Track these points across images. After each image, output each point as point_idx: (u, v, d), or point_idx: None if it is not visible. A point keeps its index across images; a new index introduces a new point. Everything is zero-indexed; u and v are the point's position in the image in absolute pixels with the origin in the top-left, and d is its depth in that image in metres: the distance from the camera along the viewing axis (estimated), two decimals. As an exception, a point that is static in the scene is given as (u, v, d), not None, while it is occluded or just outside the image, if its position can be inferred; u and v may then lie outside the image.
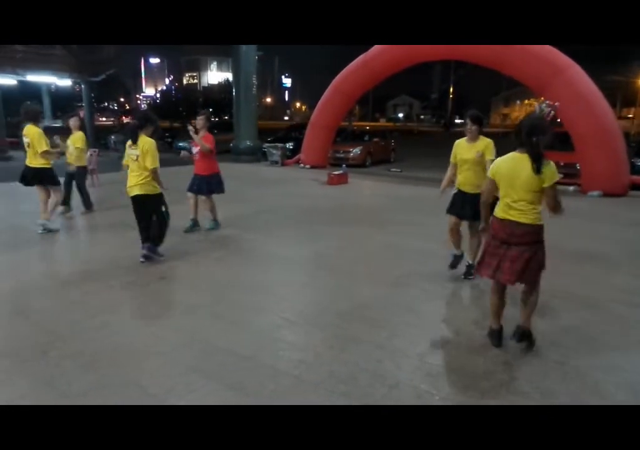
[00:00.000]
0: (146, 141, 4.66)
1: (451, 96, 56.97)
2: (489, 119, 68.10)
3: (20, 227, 6.34)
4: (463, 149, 4.32)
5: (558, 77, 9.20)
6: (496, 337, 3.21)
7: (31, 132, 5.81)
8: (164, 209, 4.88)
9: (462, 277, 4.52)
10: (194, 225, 6.22)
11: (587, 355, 3.14)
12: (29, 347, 3.13)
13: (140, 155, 4.63)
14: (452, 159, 4.44)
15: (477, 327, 3.52)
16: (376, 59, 11.51)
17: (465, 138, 4.34)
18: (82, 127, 7.49)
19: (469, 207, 4.24)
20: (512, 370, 2.94)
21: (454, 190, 4.47)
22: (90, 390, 2.67)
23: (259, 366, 2.95)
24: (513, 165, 2.94)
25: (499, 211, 3.05)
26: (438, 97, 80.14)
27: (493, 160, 3.54)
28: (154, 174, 4.70)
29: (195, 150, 6.04)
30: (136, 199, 4.79)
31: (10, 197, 8.93)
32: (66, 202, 7.19)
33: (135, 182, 4.71)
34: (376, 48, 11.48)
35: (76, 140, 7.17)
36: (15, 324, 3.51)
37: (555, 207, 2.95)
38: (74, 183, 7.40)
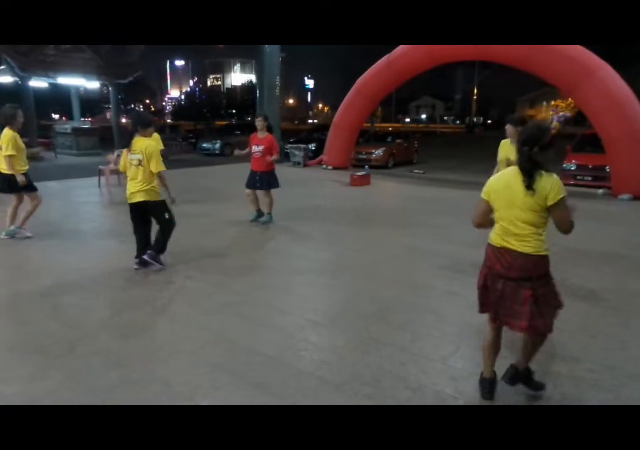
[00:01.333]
0: (148, 144, 4.42)
1: (475, 97, 56.26)
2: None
3: (51, 224, 6.51)
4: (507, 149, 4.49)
5: (588, 78, 8.99)
6: (487, 386, 2.63)
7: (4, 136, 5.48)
8: (167, 216, 4.64)
9: None
10: (260, 215, 6.80)
11: (614, 362, 3.05)
12: (58, 344, 3.21)
13: (144, 160, 4.39)
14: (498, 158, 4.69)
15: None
16: (400, 59, 11.45)
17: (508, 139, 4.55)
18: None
19: None
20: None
21: None
22: (116, 386, 2.72)
23: (282, 366, 2.96)
24: (508, 181, 2.40)
25: (494, 237, 2.51)
26: (461, 98, 79.24)
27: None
28: (161, 178, 4.51)
29: (257, 149, 6.46)
30: (138, 206, 4.54)
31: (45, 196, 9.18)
32: None
33: (139, 188, 4.44)
34: (400, 48, 11.42)
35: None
36: (45, 320, 3.60)
37: (567, 229, 2.39)
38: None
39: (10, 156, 5.44)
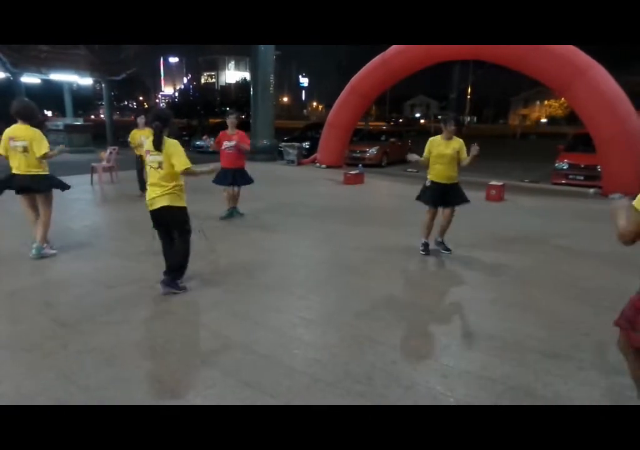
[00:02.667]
0: (169, 143, 3.90)
1: (469, 96, 56.39)
2: (507, 119, 67.34)
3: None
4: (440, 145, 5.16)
5: (579, 78, 9.06)
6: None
7: None
8: (188, 227, 4.12)
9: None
10: (235, 211, 7.08)
11: (606, 361, 3.08)
12: (50, 341, 3.20)
13: (165, 160, 3.85)
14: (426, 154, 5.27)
15: (493, 328, 3.49)
16: (395, 58, 11.47)
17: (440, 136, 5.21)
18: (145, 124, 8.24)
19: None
20: (528, 373, 2.91)
21: (428, 183, 5.28)
22: (109, 384, 2.71)
23: (275, 364, 2.97)
24: None
25: None
26: (455, 97, 79.43)
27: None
28: (192, 173, 3.99)
29: (229, 144, 6.62)
30: (161, 213, 3.97)
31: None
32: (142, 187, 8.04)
33: (161, 192, 3.90)
34: (395, 47, 11.44)
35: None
36: (37, 318, 3.59)
37: None
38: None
39: None
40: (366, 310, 3.82)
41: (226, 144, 6.64)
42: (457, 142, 5.14)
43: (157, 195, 3.93)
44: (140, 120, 8.58)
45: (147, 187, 4.04)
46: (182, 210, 4.05)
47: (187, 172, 3.94)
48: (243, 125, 20.06)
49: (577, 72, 9.08)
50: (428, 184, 5.28)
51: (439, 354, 3.13)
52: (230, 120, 6.75)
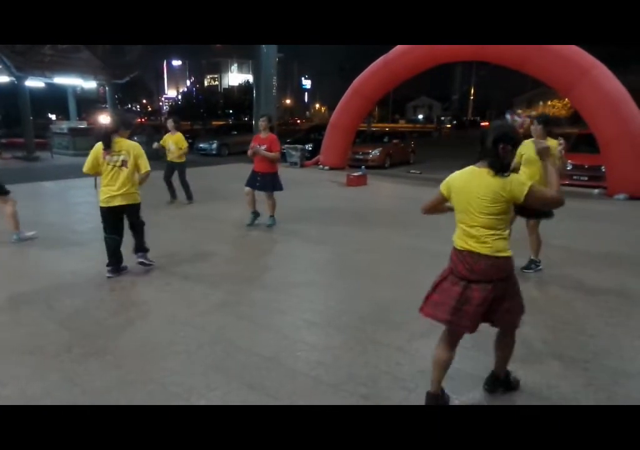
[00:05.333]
0: (132, 145, 4.36)
1: (472, 97, 56.36)
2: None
3: (48, 225, 6.49)
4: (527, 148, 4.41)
5: (583, 78, 9.04)
6: (433, 403, 2.48)
7: None
8: (141, 217, 4.65)
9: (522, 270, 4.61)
10: (256, 216, 6.67)
11: (611, 362, 3.06)
12: (54, 344, 3.21)
13: (130, 161, 4.29)
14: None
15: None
16: (397, 60, 11.47)
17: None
18: (179, 128, 8.16)
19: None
20: (533, 374, 2.89)
21: None
22: (113, 387, 2.72)
23: (278, 367, 2.96)
24: (469, 181, 2.34)
25: (456, 239, 2.50)
26: (459, 98, 79.33)
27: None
28: (146, 177, 4.47)
29: (264, 147, 6.32)
30: (117, 210, 4.38)
31: (41, 196, 9.16)
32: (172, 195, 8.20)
33: (120, 192, 4.30)
34: (397, 49, 11.45)
35: (179, 140, 7.99)
36: (42, 321, 3.60)
37: (553, 204, 2.40)
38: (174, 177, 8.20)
39: None
40: (370, 312, 3.81)
41: (256, 148, 6.40)
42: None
43: (116, 194, 4.34)
44: (170, 124, 8.20)
45: (103, 183, 4.42)
46: (138, 206, 4.53)
47: (147, 174, 4.45)
48: (246, 127, 20.13)
49: (581, 72, 9.06)
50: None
51: (443, 356, 3.11)
52: (260, 123, 6.49)
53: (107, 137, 4.28)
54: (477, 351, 3.20)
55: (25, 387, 2.70)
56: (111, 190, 4.33)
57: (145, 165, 4.39)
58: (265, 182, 6.42)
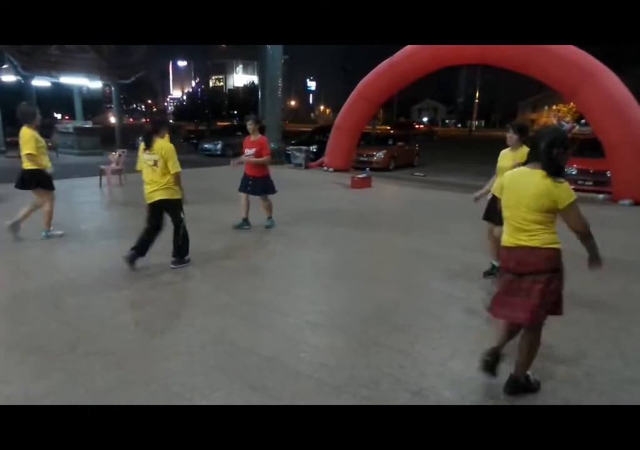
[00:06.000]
0: (165, 146, 4.52)
1: (477, 101, 56.29)
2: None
3: (52, 224, 6.51)
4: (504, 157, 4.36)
5: (588, 82, 9.01)
6: (490, 366, 2.72)
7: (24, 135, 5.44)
8: (182, 215, 4.78)
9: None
10: (245, 223, 6.57)
11: (618, 368, 3.05)
12: (58, 344, 3.22)
13: (160, 161, 4.51)
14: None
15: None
16: (402, 62, 11.47)
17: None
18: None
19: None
20: (547, 394, 2.88)
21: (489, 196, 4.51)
22: (115, 386, 2.72)
23: (281, 368, 2.96)
24: (520, 181, 2.51)
25: (506, 238, 2.61)
26: (463, 101, 79.28)
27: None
28: (177, 178, 4.59)
29: (249, 152, 6.27)
30: (157, 205, 4.64)
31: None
32: None
33: (157, 187, 4.57)
34: (403, 51, 11.45)
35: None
36: (46, 320, 3.61)
37: (580, 229, 2.55)
38: None
39: (30, 154, 5.38)
40: (373, 314, 3.81)
41: (247, 152, 6.34)
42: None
43: (154, 190, 4.59)
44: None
45: (145, 181, 4.65)
46: (177, 201, 4.72)
47: (176, 175, 4.59)
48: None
49: (586, 75, 9.03)
50: None
51: (446, 359, 3.11)
52: (248, 126, 6.34)
53: (148, 138, 4.56)
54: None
55: (29, 386, 2.71)
56: (147, 187, 4.65)
57: (173, 166, 4.54)
58: (256, 186, 6.37)
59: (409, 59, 11.28)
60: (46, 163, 5.63)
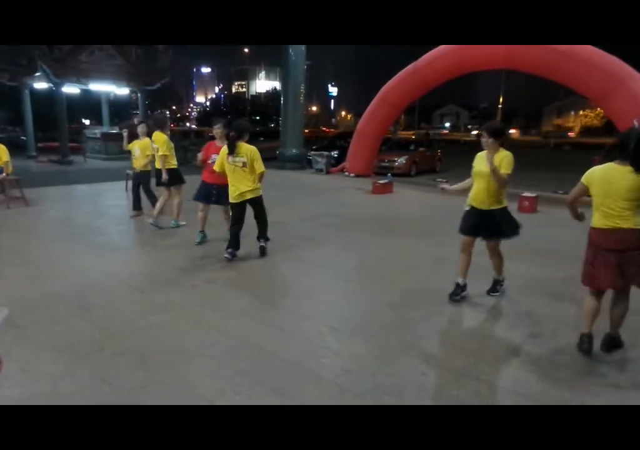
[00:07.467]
0: (251, 149, 5.08)
1: (500, 106, 55.60)
2: (540, 129, 65.93)
3: (80, 226, 6.68)
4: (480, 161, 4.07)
5: (619, 89, 8.83)
6: (587, 340, 3.19)
7: (158, 139, 6.51)
8: (264, 208, 5.42)
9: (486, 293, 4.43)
10: (204, 236, 6.07)
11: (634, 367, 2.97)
12: (87, 343, 3.30)
13: (249, 162, 5.03)
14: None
15: (524, 343, 3.40)
16: (426, 67, 11.44)
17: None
18: (149, 134, 7.05)
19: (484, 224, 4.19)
20: (563, 389, 2.82)
21: (466, 207, 4.30)
22: (141, 387, 2.77)
23: (303, 373, 2.97)
24: (609, 175, 3.02)
25: (596, 222, 3.15)
26: (486, 107, 78.42)
27: (509, 175, 3.87)
28: (262, 176, 5.18)
29: (215, 157, 5.47)
30: (248, 203, 5.21)
31: (74, 198, 9.43)
32: (136, 205, 7.67)
33: (249, 188, 5.11)
34: (427, 56, 11.42)
35: (146, 147, 7.14)
36: (74, 320, 3.70)
37: None
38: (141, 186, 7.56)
39: (164, 156, 6.45)
40: (394, 321, 3.79)
41: (214, 157, 5.51)
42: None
43: (246, 190, 5.13)
44: (141, 129, 7.32)
45: (232, 183, 5.16)
46: (261, 198, 5.36)
47: (262, 174, 5.20)
48: (272, 134, 20.29)
49: (617, 82, 8.86)
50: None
51: (470, 367, 3.07)
52: (215, 130, 5.73)
53: (232, 143, 5.01)
54: (506, 366, 3.15)
55: (58, 384, 2.78)
56: (234, 187, 5.13)
57: (259, 166, 5.11)
58: (222, 194, 5.55)
59: (433, 64, 11.24)
60: (175, 163, 6.72)
